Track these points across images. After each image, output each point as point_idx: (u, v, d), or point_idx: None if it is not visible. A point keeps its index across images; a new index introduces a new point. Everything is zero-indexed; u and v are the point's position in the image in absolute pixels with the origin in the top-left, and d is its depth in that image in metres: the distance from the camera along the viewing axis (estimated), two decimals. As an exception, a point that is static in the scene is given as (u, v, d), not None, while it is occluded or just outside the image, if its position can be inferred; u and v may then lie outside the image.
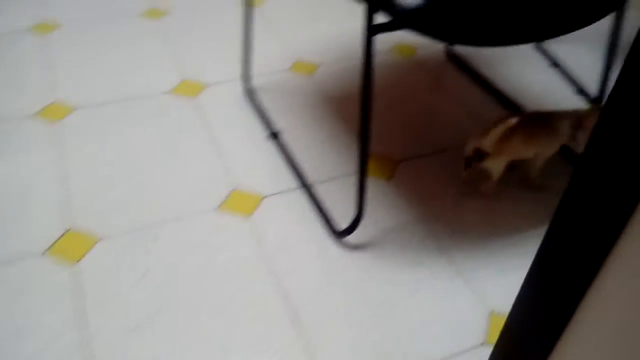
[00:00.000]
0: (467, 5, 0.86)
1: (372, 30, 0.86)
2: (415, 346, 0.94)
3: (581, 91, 1.52)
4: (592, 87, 1.54)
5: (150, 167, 1.25)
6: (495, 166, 1.15)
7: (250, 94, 1.47)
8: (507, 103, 1.48)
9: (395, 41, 1.73)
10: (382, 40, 1.72)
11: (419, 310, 0.99)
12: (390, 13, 0.85)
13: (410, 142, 1.35)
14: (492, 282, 1.05)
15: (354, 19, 1.81)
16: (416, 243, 1.11)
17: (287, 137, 1.34)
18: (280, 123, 1.39)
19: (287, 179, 1.23)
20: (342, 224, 1.13)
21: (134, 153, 1.28)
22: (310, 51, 1.66)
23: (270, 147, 1.31)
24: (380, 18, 0.87)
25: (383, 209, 1.17)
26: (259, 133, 1.35)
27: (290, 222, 1.14)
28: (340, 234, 1.11)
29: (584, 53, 1.69)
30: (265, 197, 1.19)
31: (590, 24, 0.96)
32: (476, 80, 1.57)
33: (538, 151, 1.17)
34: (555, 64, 1.61)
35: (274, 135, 1.34)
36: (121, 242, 1.08)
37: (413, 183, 1.24)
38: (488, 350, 0.93)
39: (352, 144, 1.33)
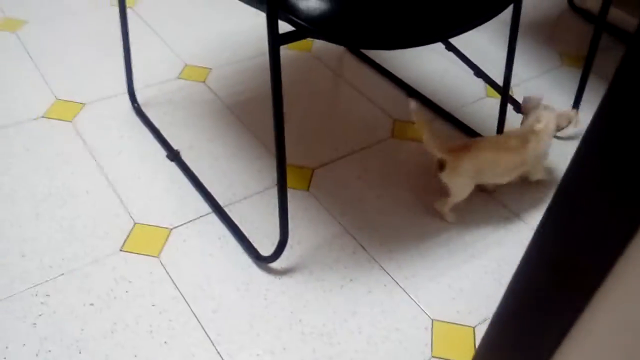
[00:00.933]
0: (373, 10, 0.78)
1: (277, 40, 0.76)
2: (363, 374, 0.88)
3: (480, 73, 1.53)
4: (489, 69, 1.55)
5: (29, 210, 1.06)
6: (454, 184, 1.06)
7: (139, 110, 1.31)
8: (411, 91, 1.45)
9: (289, 35, 1.64)
10: (275, 35, 1.62)
11: (361, 333, 0.93)
12: (294, 22, 0.75)
13: (321, 145, 1.27)
14: (428, 287, 1.01)
15: (240, 16, 1.69)
16: (346, 258, 1.04)
17: (189, 156, 1.21)
18: (178, 140, 1.25)
19: (196, 205, 1.11)
20: (266, 247, 1.03)
21: (7, 196, 1.08)
22: (198, 55, 1.51)
23: (170, 170, 1.17)
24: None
25: (306, 224, 1.09)
26: (156, 154, 1.20)
27: (206, 254, 1.02)
28: (265, 260, 1.01)
29: (475, 36, 1.70)
30: (174, 228, 1.06)
31: (493, 17, 0.92)
32: (377, 69, 1.52)
33: (518, 174, 1.10)
34: (450, 47, 1.61)
35: (174, 155, 1.20)
36: (3, 309, 0.90)
37: (332, 190, 1.17)
38: (439, 366, 0.88)
39: (262, 155, 1.23)
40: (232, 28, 1.62)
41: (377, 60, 1.54)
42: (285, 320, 0.93)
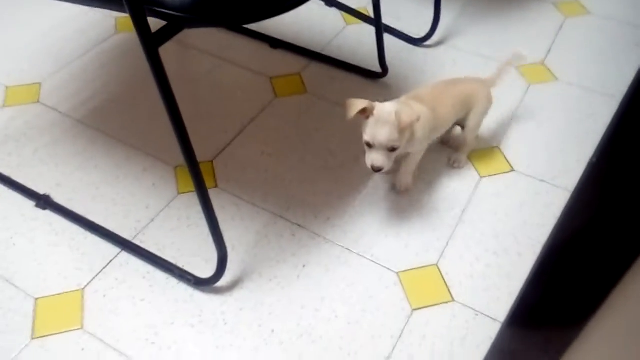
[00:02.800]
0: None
1: (152, 42, 0.61)
2: (363, 351, 0.83)
3: (331, 2, 1.45)
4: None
5: None
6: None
7: (-27, 162, 1.05)
8: (273, 41, 1.33)
9: (115, 16, 1.41)
10: (96, 22, 1.39)
11: (337, 317, 0.87)
12: (166, 15, 0.61)
13: (208, 131, 1.13)
14: (379, 243, 0.97)
15: (45, 11, 1.41)
16: (289, 243, 0.96)
17: (62, 196, 1.01)
18: (40, 182, 1.03)
19: (99, 249, 0.93)
20: (200, 266, 0.91)
21: None
22: (18, 71, 1.25)
23: (48, 220, 0.97)
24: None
25: (231, 225, 0.98)
26: (21, 208, 0.99)
27: (137, 301, 0.87)
28: (207, 282, 0.89)
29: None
30: (85, 287, 0.89)
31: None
32: (238, 30, 1.37)
33: None
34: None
35: (44, 202, 0.99)
36: None
37: (241, 177, 1.05)
38: (422, 313, 0.86)
39: (147, 165, 1.06)
40: (43, 28, 1.35)
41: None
42: (256, 337, 0.84)
